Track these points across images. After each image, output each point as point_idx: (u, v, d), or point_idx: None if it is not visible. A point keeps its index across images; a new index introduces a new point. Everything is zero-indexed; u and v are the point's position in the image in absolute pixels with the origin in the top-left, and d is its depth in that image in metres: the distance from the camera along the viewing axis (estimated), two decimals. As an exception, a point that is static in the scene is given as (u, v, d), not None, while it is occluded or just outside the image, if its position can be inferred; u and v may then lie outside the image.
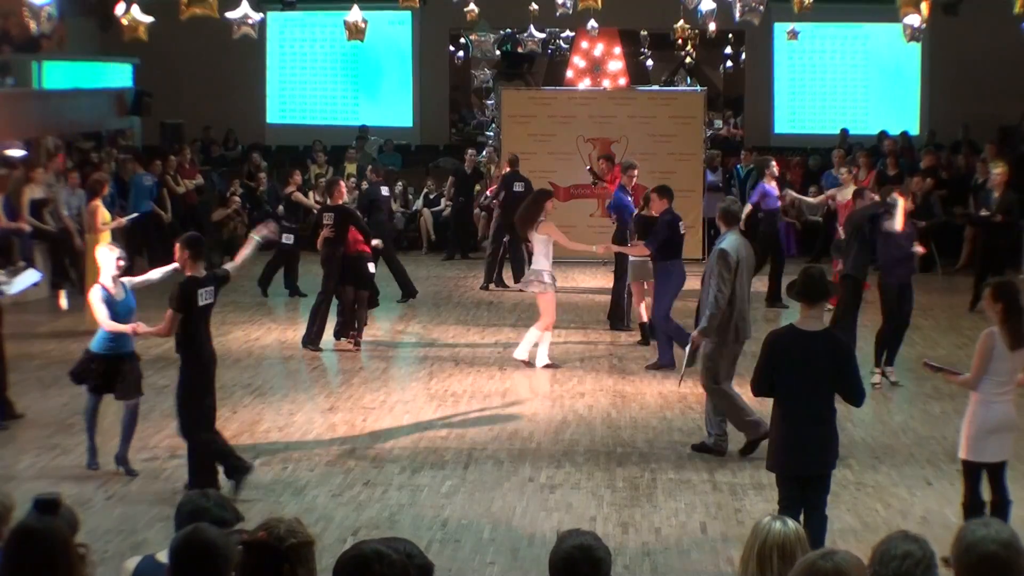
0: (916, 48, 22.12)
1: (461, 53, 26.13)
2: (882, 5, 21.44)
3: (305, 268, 17.27)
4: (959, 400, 11.57)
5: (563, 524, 8.17)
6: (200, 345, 9.02)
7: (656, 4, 21.04)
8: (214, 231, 19.82)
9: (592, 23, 19.33)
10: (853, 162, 19.18)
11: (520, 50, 23.57)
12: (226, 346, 14.06)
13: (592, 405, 11.68)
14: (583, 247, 13.56)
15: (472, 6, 16.83)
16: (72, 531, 4.56)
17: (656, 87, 24.65)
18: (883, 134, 22.35)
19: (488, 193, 18.25)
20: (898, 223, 11.97)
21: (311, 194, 18.45)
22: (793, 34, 20.62)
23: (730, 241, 10.05)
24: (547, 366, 12.89)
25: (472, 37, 23.85)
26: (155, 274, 10.24)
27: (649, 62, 30.02)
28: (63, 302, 15.32)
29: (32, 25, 10.48)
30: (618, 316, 14.73)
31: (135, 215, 16.38)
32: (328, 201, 14.22)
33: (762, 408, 11.24)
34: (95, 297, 9.49)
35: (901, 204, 12.03)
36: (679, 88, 24.20)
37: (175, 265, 9.49)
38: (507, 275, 17.81)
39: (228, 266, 9.77)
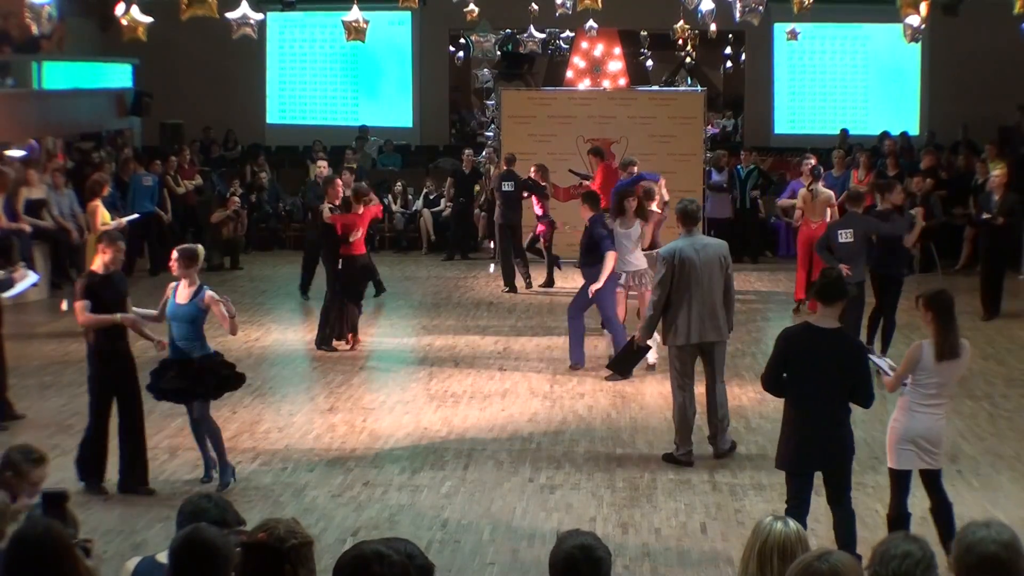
0: (916, 48, 22.13)
1: (461, 53, 26.11)
2: (882, 5, 21.45)
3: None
4: (958, 400, 11.60)
5: (563, 524, 8.18)
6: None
7: (656, 4, 21.03)
8: (214, 232, 19.83)
9: (591, 23, 19.30)
10: (854, 163, 19.19)
11: (520, 50, 23.54)
12: (226, 347, 14.01)
13: (592, 406, 11.68)
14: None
15: (472, 6, 16.80)
16: (73, 532, 4.56)
17: (656, 87, 24.61)
18: (885, 134, 22.35)
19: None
20: (913, 238, 12.96)
21: (325, 207, 18.46)
22: (793, 34, 20.61)
23: (673, 244, 10.02)
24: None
25: (473, 38, 23.83)
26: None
27: (649, 63, 29.99)
28: (64, 306, 15.33)
29: (33, 26, 10.46)
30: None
31: (136, 216, 16.36)
32: (325, 200, 14.21)
33: (763, 407, 11.26)
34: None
35: (919, 223, 12.61)
36: (679, 88, 24.18)
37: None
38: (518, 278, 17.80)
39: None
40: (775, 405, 11.47)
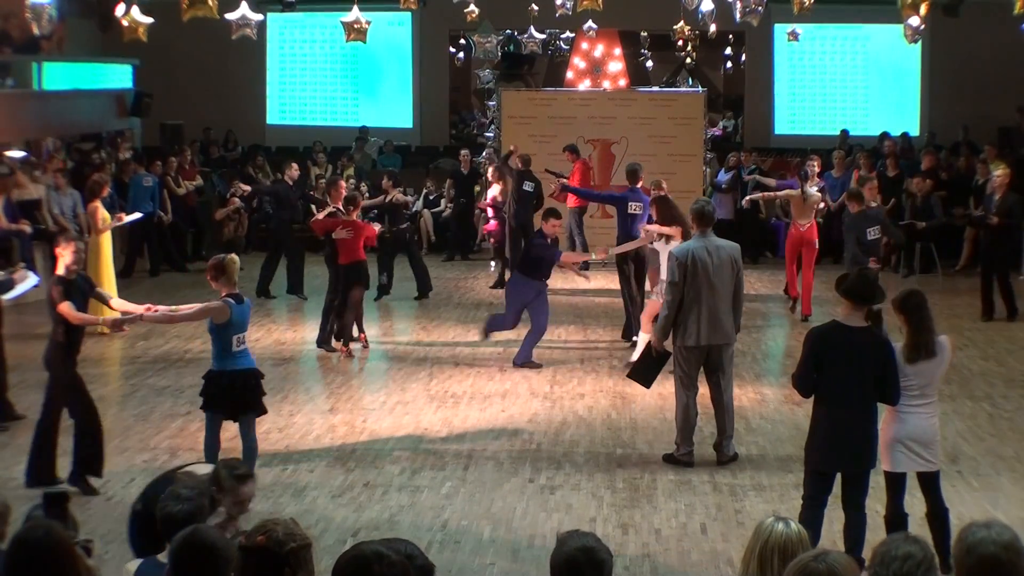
0: (916, 49, 22.14)
1: (461, 54, 26.12)
2: (882, 6, 21.45)
3: (306, 269, 17.29)
4: (959, 401, 11.63)
5: (563, 525, 8.17)
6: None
7: (656, 5, 21.02)
8: (215, 232, 19.83)
9: (590, 23, 19.30)
10: (854, 163, 19.19)
11: (521, 51, 23.53)
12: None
13: (592, 406, 11.68)
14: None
15: (472, 7, 16.80)
16: (73, 533, 4.56)
17: (656, 88, 24.61)
18: (885, 135, 22.35)
19: (499, 197, 18.26)
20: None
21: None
22: (793, 35, 20.62)
23: (686, 244, 10.02)
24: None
25: (475, 38, 23.81)
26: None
27: (649, 63, 29.98)
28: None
29: (34, 26, 10.45)
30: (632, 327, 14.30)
31: (137, 215, 16.34)
32: (328, 200, 14.22)
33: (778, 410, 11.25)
34: None
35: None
36: (679, 89, 24.15)
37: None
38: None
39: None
40: (775, 406, 11.55)
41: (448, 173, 21.97)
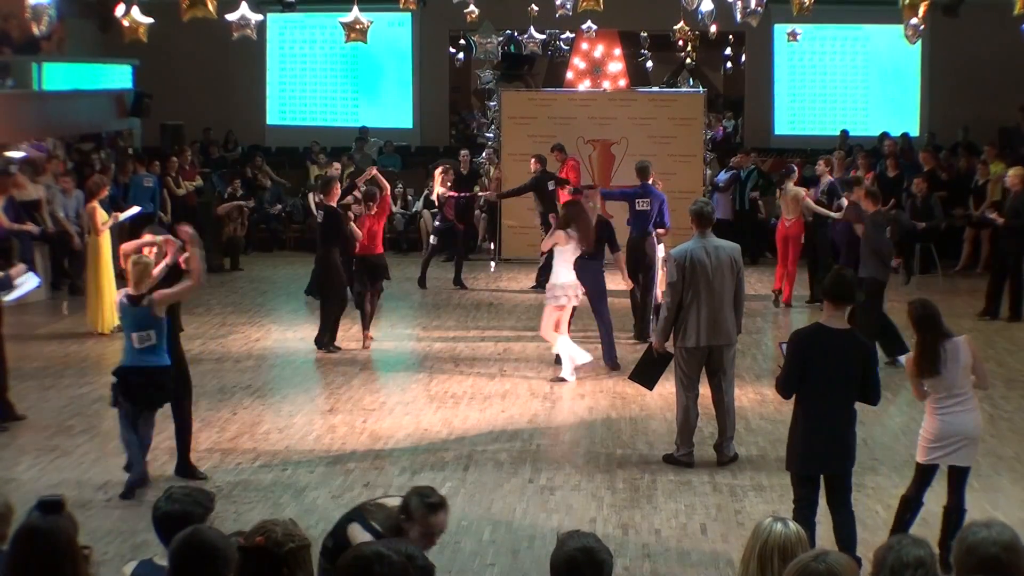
0: (916, 49, 22.14)
1: (461, 55, 26.11)
2: (882, 6, 21.45)
3: (306, 270, 17.27)
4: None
5: (563, 525, 8.17)
6: None
7: (656, 6, 21.02)
8: (215, 232, 19.81)
9: (589, 24, 19.29)
10: (854, 164, 19.18)
11: (521, 52, 23.57)
12: (226, 347, 14.08)
13: (592, 407, 11.68)
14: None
15: (472, 8, 16.80)
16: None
17: (656, 88, 24.60)
18: (885, 135, 22.34)
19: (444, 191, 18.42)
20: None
21: (310, 196, 18.47)
22: (793, 35, 20.62)
23: (684, 245, 10.00)
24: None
25: (476, 39, 23.83)
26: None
27: (649, 64, 29.98)
28: (65, 310, 15.37)
29: (34, 27, 10.45)
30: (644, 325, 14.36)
31: (135, 209, 16.26)
32: (323, 200, 14.22)
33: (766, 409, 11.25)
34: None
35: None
36: (679, 90, 24.17)
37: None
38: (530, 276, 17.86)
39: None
40: (775, 406, 11.52)
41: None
